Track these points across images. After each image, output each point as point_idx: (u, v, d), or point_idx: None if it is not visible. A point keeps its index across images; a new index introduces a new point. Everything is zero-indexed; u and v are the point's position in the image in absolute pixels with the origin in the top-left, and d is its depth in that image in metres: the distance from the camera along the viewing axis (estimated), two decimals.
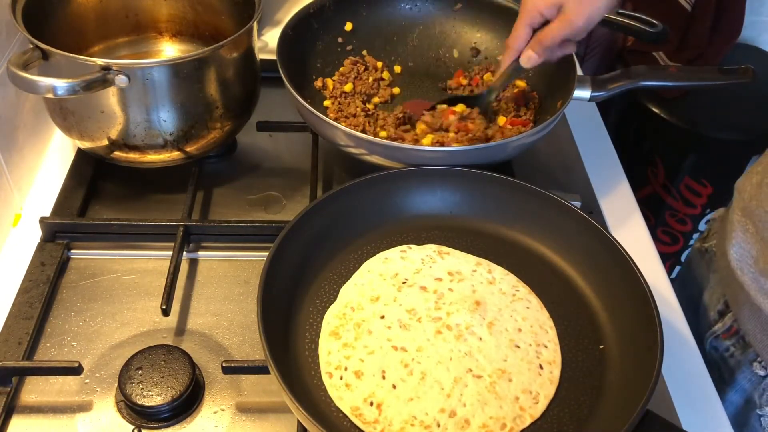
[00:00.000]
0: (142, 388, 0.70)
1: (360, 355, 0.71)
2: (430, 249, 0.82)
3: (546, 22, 0.86)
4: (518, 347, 0.72)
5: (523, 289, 0.79)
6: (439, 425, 0.65)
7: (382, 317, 0.74)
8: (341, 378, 0.69)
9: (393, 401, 0.67)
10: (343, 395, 0.68)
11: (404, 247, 0.82)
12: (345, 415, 0.67)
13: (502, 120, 0.97)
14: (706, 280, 0.98)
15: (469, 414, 0.67)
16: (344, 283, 0.79)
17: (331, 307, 0.76)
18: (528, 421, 0.67)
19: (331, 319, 0.75)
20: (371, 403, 0.67)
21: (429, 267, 0.80)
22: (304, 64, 1.04)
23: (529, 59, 0.88)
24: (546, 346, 0.73)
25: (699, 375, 0.81)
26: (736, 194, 0.89)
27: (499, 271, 0.81)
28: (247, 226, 0.87)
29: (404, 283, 0.78)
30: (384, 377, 0.69)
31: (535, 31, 0.88)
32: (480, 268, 0.81)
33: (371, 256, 0.81)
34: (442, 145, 0.90)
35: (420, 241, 0.83)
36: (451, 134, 0.92)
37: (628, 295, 0.73)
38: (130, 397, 0.69)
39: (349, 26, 1.09)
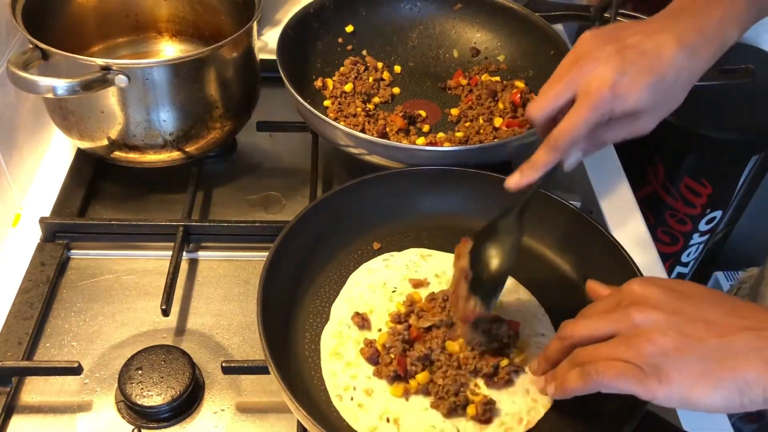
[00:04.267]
0: (142, 388, 0.70)
1: (366, 372, 0.70)
2: (412, 253, 0.82)
3: None
4: None
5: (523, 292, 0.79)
6: (458, 430, 0.65)
7: (380, 330, 0.74)
8: (352, 399, 0.68)
9: (409, 413, 0.67)
10: (359, 416, 0.66)
11: (386, 255, 0.82)
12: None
13: (498, 121, 0.97)
14: None
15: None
16: (344, 283, 0.78)
17: (326, 326, 0.74)
18: (542, 412, 0.67)
19: (327, 339, 0.73)
20: (387, 419, 0.66)
21: (414, 271, 0.79)
22: (304, 64, 1.04)
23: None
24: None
25: None
26: None
27: None
28: (247, 226, 0.87)
29: (393, 292, 0.77)
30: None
31: None
32: None
33: (371, 256, 0.81)
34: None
35: (420, 241, 0.83)
36: None
37: None
38: (130, 397, 0.69)
39: (349, 26, 1.09)
